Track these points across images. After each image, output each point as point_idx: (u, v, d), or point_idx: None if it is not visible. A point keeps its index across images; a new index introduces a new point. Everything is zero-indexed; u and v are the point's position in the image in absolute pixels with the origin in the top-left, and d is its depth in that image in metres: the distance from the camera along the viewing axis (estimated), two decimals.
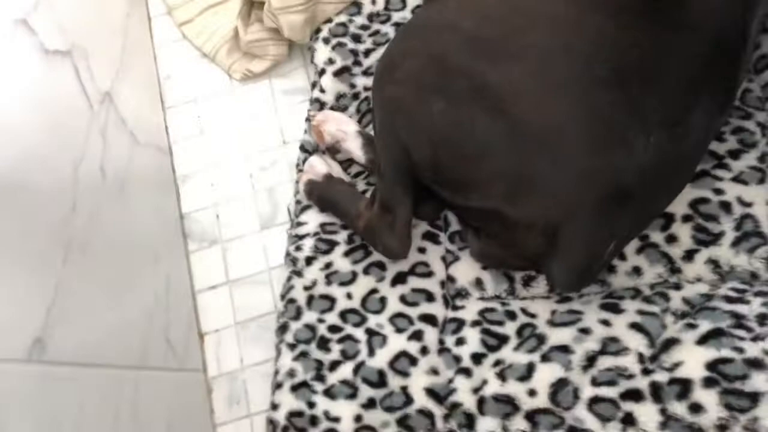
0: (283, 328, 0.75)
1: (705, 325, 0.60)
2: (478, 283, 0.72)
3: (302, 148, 0.89)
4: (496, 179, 0.59)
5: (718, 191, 0.67)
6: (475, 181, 0.61)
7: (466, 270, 0.73)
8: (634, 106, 0.53)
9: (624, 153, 0.53)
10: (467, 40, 0.60)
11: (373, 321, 0.72)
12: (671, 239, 0.67)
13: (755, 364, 0.56)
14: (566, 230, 0.57)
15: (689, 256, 0.66)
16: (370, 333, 0.71)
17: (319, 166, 0.82)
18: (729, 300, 0.62)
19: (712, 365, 0.57)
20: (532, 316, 0.69)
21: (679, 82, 0.54)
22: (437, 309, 0.72)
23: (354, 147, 0.82)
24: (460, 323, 0.70)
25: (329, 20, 0.98)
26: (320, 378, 0.70)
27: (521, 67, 0.57)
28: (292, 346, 0.73)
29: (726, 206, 0.67)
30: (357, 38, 0.96)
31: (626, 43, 0.54)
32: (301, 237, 0.81)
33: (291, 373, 0.71)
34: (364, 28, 0.96)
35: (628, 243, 0.66)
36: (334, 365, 0.70)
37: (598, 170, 0.54)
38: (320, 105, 0.91)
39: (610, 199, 0.55)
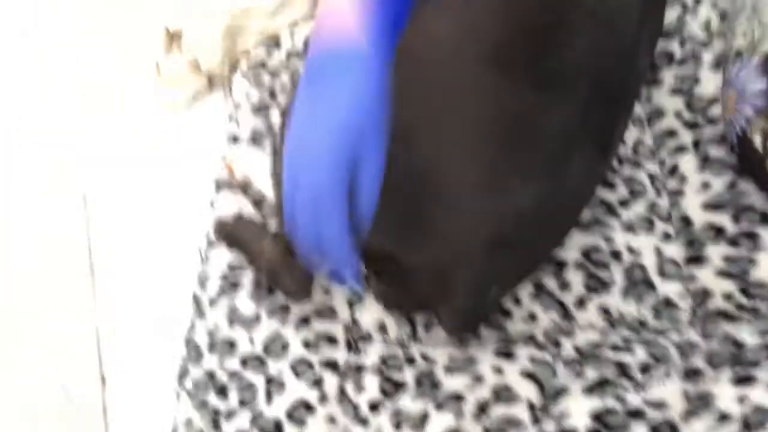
0: (183, 374, 0.73)
1: (591, 374, 0.61)
2: (382, 327, 0.72)
3: (216, 185, 0.88)
4: (390, 220, 0.59)
5: (609, 239, 0.69)
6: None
7: (370, 313, 0.73)
8: (513, 156, 0.55)
9: (504, 200, 0.55)
10: None
11: (273, 367, 0.71)
12: (564, 286, 0.69)
13: (636, 414, 0.58)
14: (452, 274, 0.58)
15: (581, 303, 0.68)
16: (270, 380, 0.70)
17: (230, 204, 0.81)
18: (616, 348, 0.63)
19: (596, 416, 0.59)
20: (431, 361, 0.69)
21: (556, 134, 0.56)
22: (340, 354, 0.71)
23: (265, 185, 0.81)
24: (361, 369, 0.70)
25: (247, 52, 0.98)
26: (216, 427, 0.68)
27: (415, 114, 0.57)
28: (190, 393, 0.71)
29: (616, 255, 0.69)
30: (275, 74, 0.95)
31: (508, 97, 0.55)
32: (207, 277, 0.79)
33: (188, 423, 0.69)
34: (282, 64, 0.96)
35: (512, 287, 0.67)
36: (230, 414, 0.68)
37: (480, 215, 0.55)
38: (235, 139, 0.90)
39: (491, 243, 0.56)
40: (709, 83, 0.74)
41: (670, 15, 0.78)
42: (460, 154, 0.56)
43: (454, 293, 0.58)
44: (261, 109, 0.91)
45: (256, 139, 0.89)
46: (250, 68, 0.96)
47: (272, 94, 0.93)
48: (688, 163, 0.71)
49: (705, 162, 0.70)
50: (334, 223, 0.46)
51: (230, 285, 0.77)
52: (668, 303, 0.66)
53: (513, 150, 0.55)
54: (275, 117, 0.91)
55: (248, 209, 0.82)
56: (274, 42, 0.98)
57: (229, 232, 0.79)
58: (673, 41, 0.77)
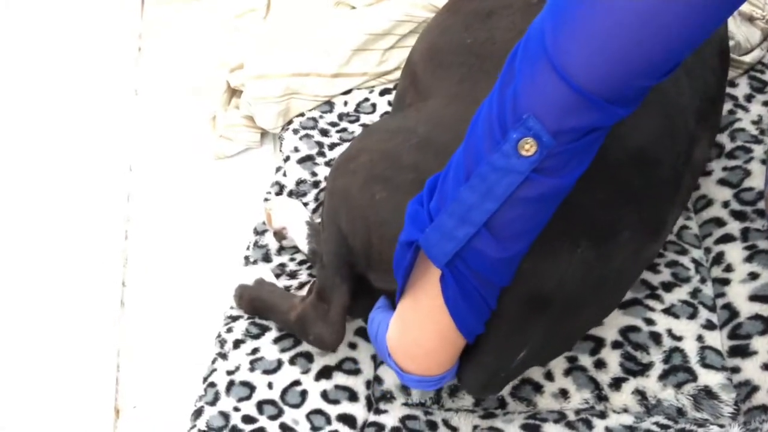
0: (197, 413, 0.71)
1: None
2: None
3: (254, 231, 0.89)
4: None
5: (649, 321, 0.67)
6: None
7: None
8: (562, 220, 0.54)
9: (549, 259, 0.53)
10: (420, 141, 0.63)
11: (289, 415, 0.68)
12: (600, 364, 0.66)
13: None
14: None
15: (617, 384, 0.65)
16: (284, 428, 0.67)
17: (252, 272, 0.82)
18: None
19: None
20: (454, 429, 0.66)
21: (609, 205, 0.55)
22: (358, 410, 0.69)
23: (299, 236, 0.82)
24: (379, 428, 0.67)
25: (301, 114, 1.02)
26: None
27: None
28: None
29: (656, 337, 0.66)
30: (325, 132, 0.99)
31: None
32: (235, 318, 0.79)
33: None
34: (333, 124, 1.00)
35: (542, 361, 0.64)
36: None
37: (521, 271, 0.53)
38: (280, 188, 0.93)
39: (528, 302, 0.54)
40: (759, 177, 0.73)
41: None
42: None
43: (480, 349, 0.56)
44: (307, 162, 0.94)
45: (300, 188, 0.91)
46: (301, 126, 1.00)
47: (320, 151, 0.96)
48: (734, 252, 0.69)
49: (753, 253, 0.68)
50: None
51: (257, 328, 0.77)
52: (709, 393, 0.62)
53: (562, 214, 0.54)
54: (320, 170, 0.93)
55: (270, 277, 0.81)
56: (327, 105, 1.03)
57: (252, 296, 0.79)
58: (724, 134, 0.78)
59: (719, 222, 0.72)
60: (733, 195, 0.74)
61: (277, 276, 0.83)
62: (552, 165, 0.43)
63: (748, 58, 0.84)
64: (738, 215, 0.72)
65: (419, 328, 0.53)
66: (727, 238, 0.71)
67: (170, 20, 1.27)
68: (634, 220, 0.56)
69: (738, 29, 0.83)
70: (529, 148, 0.42)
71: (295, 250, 0.86)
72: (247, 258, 0.86)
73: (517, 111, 0.42)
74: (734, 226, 0.71)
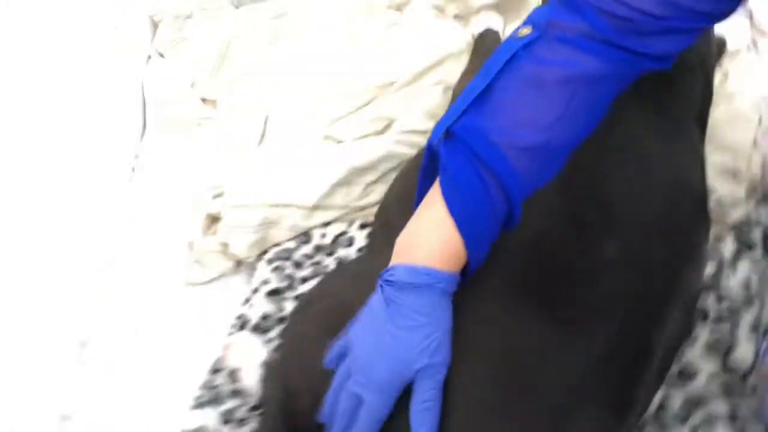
0: None
1: None
2: None
3: (211, 369, 0.84)
4: None
5: None
6: None
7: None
8: (511, 400, 0.49)
9: None
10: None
11: None
12: None
13: None
14: None
15: None
16: None
17: (197, 417, 0.77)
18: None
19: None
20: None
21: (560, 388, 0.50)
22: None
23: (251, 379, 0.77)
24: None
25: (277, 244, 1.00)
26: None
27: None
28: None
29: None
30: (298, 265, 0.96)
31: (520, 333, 0.51)
32: None
33: None
34: (308, 257, 0.97)
35: None
36: None
37: None
38: (243, 323, 0.88)
39: None
40: (748, 348, 0.67)
41: (706, 270, 0.74)
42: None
43: None
44: (275, 296, 0.90)
45: (265, 323, 0.87)
46: (275, 257, 0.97)
47: (290, 285, 0.92)
48: None
49: None
50: None
51: None
52: None
53: (511, 393, 0.50)
54: (288, 305, 0.89)
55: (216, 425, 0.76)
56: (305, 236, 1.00)
57: None
58: (708, 297, 0.73)
59: (704, 399, 0.65)
60: (720, 366, 0.67)
61: (226, 422, 0.77)
62: (540, 50, 0.49)
63: (733, 215, 0.80)
64: (726, 391, 0.65)
65: (419, 218, 0.52)
66: (714, 419, 0.63)
67: (168, 146, 1.27)
68: (593, 401, 0.51)
69: (721, 186, 0.80)
70: (526, 31, 0.50)
71: (249, 393, 0.80)
72: (197, 398, 0.80)
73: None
74: (721, 406, 0.64)
